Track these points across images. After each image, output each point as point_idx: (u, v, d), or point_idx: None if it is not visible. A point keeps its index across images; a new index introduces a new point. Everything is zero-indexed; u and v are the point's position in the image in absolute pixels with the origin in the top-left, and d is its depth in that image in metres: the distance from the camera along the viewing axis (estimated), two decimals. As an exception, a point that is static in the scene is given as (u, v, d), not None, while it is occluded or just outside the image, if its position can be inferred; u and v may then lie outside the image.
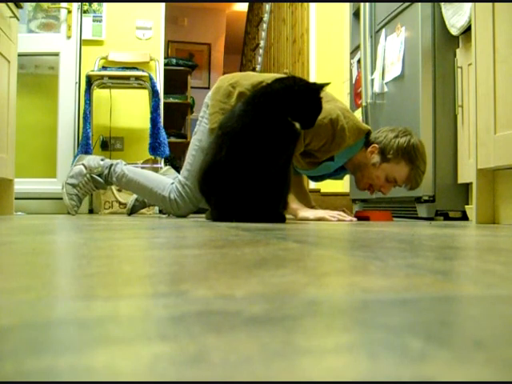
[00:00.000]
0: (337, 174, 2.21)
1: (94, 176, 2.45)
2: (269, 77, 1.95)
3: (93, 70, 3.61)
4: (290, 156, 1.67)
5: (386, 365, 0.19)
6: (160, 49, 3.93)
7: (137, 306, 0.31)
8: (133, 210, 2.57)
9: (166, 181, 2.27)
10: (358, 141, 1.99)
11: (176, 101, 5.22)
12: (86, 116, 3.44)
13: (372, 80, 2.72)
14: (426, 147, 2.30)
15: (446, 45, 2.32)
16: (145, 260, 0.60)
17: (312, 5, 4.15)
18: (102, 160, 2.50)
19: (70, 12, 3.67)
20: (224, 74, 6.97)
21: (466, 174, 2.18)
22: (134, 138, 3.83)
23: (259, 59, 6.02)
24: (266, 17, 5.42)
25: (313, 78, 3.98)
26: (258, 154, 1.57)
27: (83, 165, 2.48)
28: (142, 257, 0.64)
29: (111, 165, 2.44)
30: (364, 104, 2.76)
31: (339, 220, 1.92)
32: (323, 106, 1.67)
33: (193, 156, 2.17)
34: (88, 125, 3.42)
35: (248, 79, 2.09)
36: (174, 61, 5.19)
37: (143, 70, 3.61)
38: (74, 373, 0.18)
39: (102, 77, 3.52)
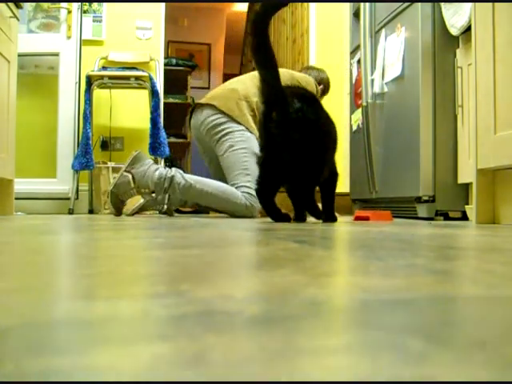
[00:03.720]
0: None
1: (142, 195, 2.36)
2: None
3: (93, 70, 3.60)
4: None
5: (386, 365, 0.19)
6: (160, 49, 3.93)
7: (137, 306, 0.31)
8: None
9: (232, 188, 2.33)
10: None
11: (176, 101, 5.21)
12: (86, 116, 3.43)
13: (372, 80, 2.72)
14: (426, 147, 2.31)
15: (446, 45, 2.32)
16: (145, 260, 0.60)
17: (312, 5, 4.15)
18: (158, 172, 2.32)
19: (70, 12, 3.66)
20: (224, 74, 6.91)
21: (466, 174, 2.18)
22: (134, 138, 3.83)
23: (259, 59, 5.99)
24: (265, 17, 5.42)
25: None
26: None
27: (132, 176, 2.35)
28: (142, 257, 0.64)
29: (171, 177, 2.30)
30: (364, 104, 2.76)
31: None
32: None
33: (247, 162, 2.35)
34: (88, 125, 3.42)
35: (252, 86, 2.48)
36: (173, 61, 5.19)
37: (143, 70, 3.61)
38: (74, 373, 0.18)
39: (102, 77, 3.51)
